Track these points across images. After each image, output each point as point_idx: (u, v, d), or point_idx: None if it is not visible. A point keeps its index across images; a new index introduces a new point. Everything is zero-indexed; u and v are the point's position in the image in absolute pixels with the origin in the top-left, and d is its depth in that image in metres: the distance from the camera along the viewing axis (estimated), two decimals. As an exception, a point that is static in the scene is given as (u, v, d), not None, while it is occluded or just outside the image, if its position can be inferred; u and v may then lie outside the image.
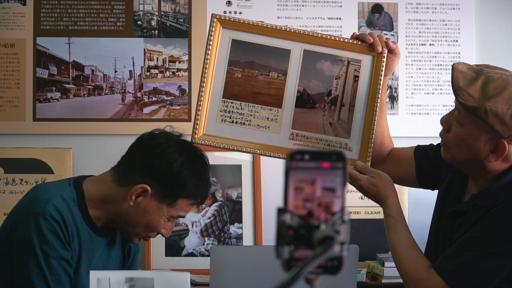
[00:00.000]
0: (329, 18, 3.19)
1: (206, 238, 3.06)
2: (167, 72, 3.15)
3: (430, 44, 3.23)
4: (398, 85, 3.21)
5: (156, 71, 3.15)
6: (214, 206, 3.08)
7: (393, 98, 3.20)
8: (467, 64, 2.03)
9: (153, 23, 3.15)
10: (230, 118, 2.20)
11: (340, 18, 3.19)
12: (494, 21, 3.25)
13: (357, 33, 2.23)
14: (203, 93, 2.17)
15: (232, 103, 2.20)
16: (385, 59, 2.20)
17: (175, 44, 3.15)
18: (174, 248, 3.04)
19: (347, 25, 3.19)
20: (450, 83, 2.01)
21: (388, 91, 3.20)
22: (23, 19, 3.11)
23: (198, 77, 3.10)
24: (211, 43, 2.17)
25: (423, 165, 2.24)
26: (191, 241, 3.06)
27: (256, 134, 2.21)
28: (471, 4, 3.22)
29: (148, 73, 3.15)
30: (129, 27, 3.14)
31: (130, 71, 3.15)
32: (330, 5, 3.19)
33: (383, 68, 2.20)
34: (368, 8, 3.21)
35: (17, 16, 3.11)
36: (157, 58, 3.15)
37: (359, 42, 2.22)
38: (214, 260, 1.84)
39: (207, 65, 2.17)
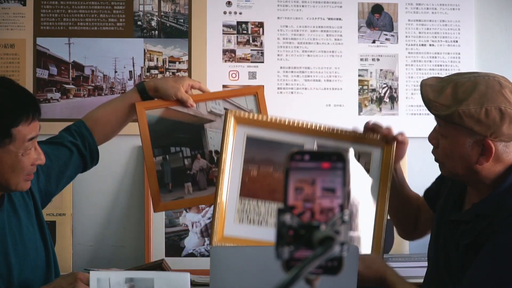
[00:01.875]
0: (329, 19, 3.19)
1: (206, 239, 3.05)
2: (167, 73, 3.15)
3: (430, 45, 3.23)
4: (398, 85, 3.21)
5: (156, 71, 3.15)
6: (214, 207, 3.08)
7: (393, 99, 3.20)
8: (436, 77, 2.03)
9: (153, 23, 3.15)
10: (248, 218, 2.16)
11: (340, 19, 3.19)
12: (494, 21, 3.25)
13: (371, 123, 2.21)
14: (220, 191, 2.12)
15: (249, 201, 2.17)
16: (393, 150, 2.19)
17: (175, 45, 3.15)
18: (174, 248, 3.04)
19: (347, 26, 3.19)
20: None
21: (388, 91, 3.20)
22: (23, 19, 3.11)
23: (198, 77, 3.11)
24: (227, 140, 2.14)
25: (431, 197, 2.25)
26: (191, 242, 3.06)
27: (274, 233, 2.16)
28: (471, 5, 3.22)
29: (148, 74, 3.15)
30: (129, 27, 3.14)
31: (130, 72, 3.15)
32: (330, 5, 3.19)
33: (393, 161, 2.19)
34: (368, 8, 3.20)
35: (17, 16, 3.11)
36: (157, 59, 3.15)
37: (373, 135, 2.20)
38: (214, 260, 1.83)
39: (224, 163, 2.13)
